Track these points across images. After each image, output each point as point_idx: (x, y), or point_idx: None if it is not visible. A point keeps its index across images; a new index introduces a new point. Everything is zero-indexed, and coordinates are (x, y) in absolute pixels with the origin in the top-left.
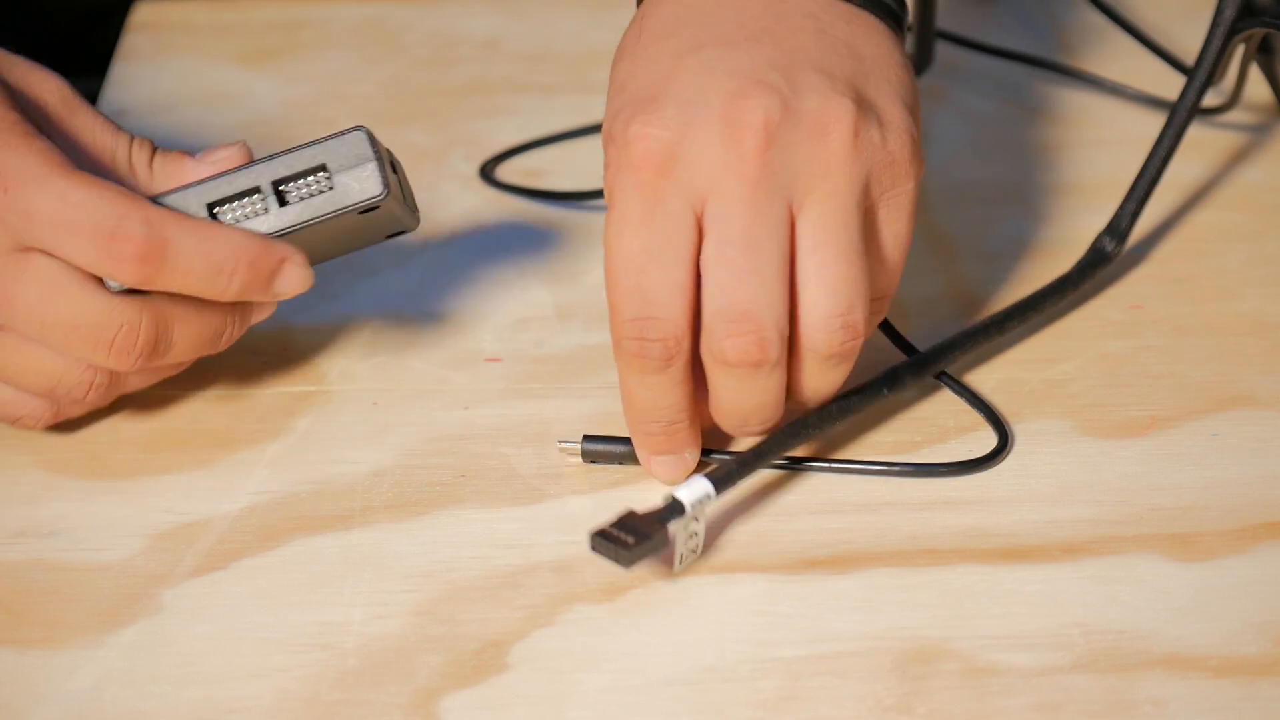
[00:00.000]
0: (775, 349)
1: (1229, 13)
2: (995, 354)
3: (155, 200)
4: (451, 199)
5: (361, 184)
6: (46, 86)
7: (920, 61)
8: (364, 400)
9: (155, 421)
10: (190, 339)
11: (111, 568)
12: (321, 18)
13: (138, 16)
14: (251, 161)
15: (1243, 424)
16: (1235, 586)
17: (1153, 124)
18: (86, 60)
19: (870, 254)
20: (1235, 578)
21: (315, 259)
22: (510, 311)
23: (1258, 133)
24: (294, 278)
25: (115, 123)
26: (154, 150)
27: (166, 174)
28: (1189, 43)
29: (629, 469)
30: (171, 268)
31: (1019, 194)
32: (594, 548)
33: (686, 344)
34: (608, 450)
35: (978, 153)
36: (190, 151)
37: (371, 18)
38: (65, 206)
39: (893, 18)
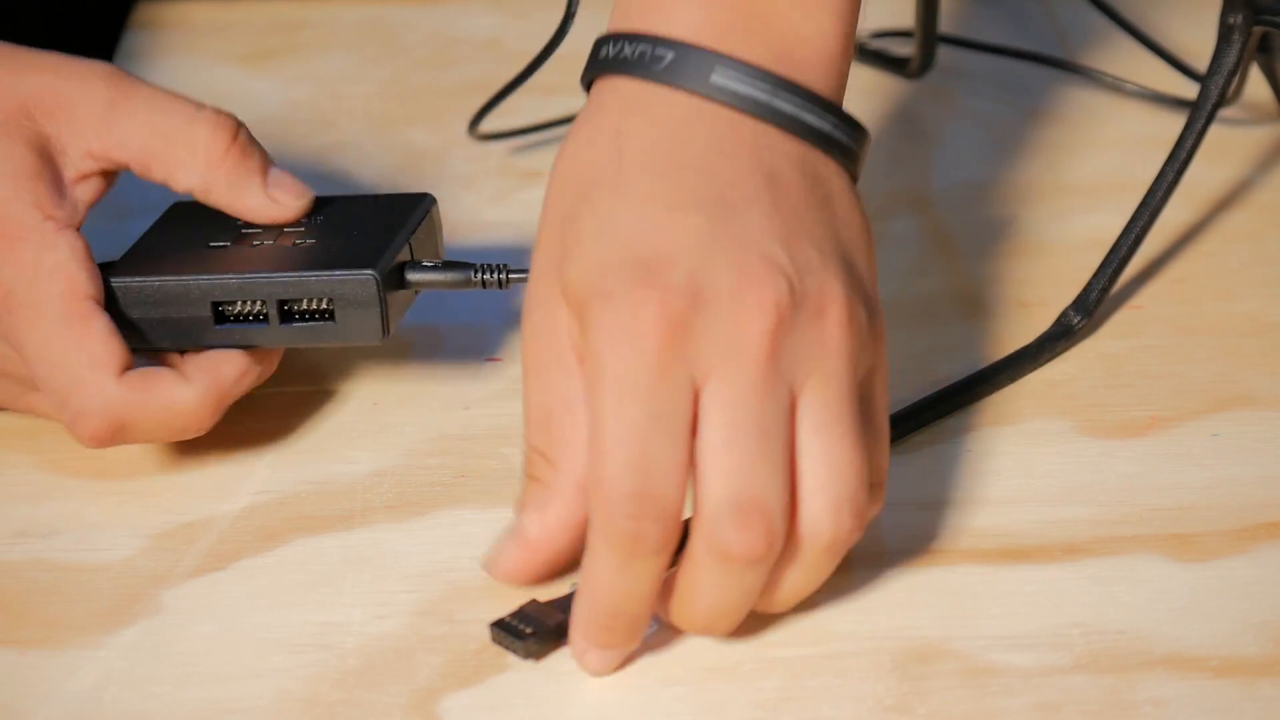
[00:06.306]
0: (781, 542)
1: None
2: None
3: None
4: (452, 199)
5: (363, 326)
6: (85, 94)
7: (921, 62)
8: (364, 400)
9: None
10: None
11: (111, 568)
12: (321, 18)
13: (138, 16)
14: (266, 272)
15: (1243, 424)
16: (1235, 586)
17: (1154, 123)
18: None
19: (867, 433)
20: (1235, 578)
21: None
22: (511, 311)
23: (1258, 132)
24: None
25: (186, 101)
26: (235, 133)
27: (236, 177)
28: (1188, 40)
29: None
30: (129, 438)
31: (1019, 194)
32: (494, 639)
33: (680, 530)
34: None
35: (978, 153)
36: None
37: (371, 18)
38: (41, 362)
39: (849, 156)
